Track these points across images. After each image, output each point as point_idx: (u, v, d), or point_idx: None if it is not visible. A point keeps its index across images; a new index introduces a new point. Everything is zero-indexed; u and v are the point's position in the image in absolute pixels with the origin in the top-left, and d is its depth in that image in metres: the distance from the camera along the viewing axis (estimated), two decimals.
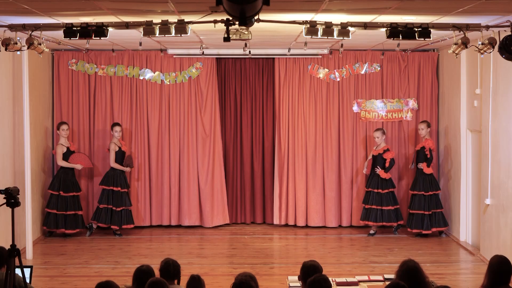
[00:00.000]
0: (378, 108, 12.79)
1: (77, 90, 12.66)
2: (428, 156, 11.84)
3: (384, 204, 12.00)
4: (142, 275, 5.60)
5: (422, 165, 11.82)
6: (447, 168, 12.41)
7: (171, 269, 5.81)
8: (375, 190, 12.03)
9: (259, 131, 13.14)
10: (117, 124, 12.15)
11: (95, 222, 12.09)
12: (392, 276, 6.17)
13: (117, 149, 12.00)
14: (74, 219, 11.88)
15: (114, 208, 11.94)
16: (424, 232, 11.87)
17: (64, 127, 11.89)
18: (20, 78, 10.46)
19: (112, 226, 12.02)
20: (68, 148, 11.91)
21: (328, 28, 7.76)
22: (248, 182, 13.14)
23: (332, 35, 7.80)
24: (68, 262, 10.33)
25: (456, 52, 8.42)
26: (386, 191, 12.02)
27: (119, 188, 11.95)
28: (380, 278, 7.47)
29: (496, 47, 7.96)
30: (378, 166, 12.04)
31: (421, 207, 11.82)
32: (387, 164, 12.02)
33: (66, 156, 11.85)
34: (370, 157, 12.36)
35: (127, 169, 12.12)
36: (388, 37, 7.89)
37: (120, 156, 12.08)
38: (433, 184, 11.92)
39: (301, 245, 11.82)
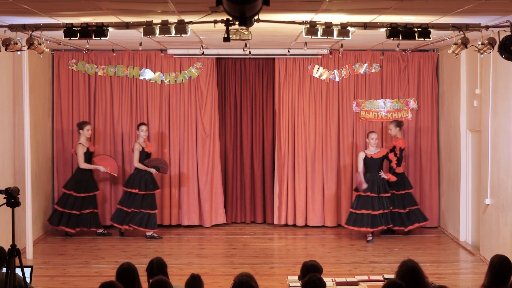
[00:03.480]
0: (378, 108, 12.80)
1: (77, 90, 12.66)
2: (398, 155, 11.82)
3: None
4: (124, 274, 5.63)
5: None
6: (447, 168, 12.42)
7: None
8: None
9: (259, 131, 13.14)
10: (143, 123, 11.92)
11: (126, 226, 11.77)
12: (392, 276, 6.17)
13: (140, 149, 11.78)
14: (91, 217, 11.74)
15: (149, 211, 11.77)
16: (406, 229, 11.88)
17: (88, 127, 11.75)
18: (20, 78, 10.47)
19: (146, 230, 11.80)
20: (88, 148, 11.83)
21: (328, 28, 7.77)
22: (248, 182, 13.15)
23: (332, 35, 7.80)
24: (68, 262, 10.33)
25: (456, 52, 8.43)
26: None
27: (147, 191, 11.75)
28: (380, 278, 7.47)
29: (496, 47, 7.97)
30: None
31: (394, 205, 11.78)
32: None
33: (86, 157, 11.73)
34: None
35: (152, 171, 11.79)
36: (388, 37, 7.90)
37: (144, 157, 11.81)
38: (406, 183, 11.93)
39: (301, 245, 11.83)
